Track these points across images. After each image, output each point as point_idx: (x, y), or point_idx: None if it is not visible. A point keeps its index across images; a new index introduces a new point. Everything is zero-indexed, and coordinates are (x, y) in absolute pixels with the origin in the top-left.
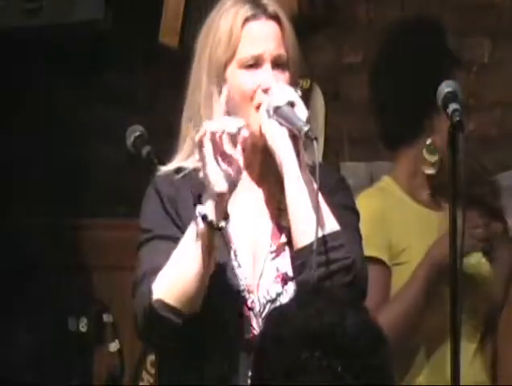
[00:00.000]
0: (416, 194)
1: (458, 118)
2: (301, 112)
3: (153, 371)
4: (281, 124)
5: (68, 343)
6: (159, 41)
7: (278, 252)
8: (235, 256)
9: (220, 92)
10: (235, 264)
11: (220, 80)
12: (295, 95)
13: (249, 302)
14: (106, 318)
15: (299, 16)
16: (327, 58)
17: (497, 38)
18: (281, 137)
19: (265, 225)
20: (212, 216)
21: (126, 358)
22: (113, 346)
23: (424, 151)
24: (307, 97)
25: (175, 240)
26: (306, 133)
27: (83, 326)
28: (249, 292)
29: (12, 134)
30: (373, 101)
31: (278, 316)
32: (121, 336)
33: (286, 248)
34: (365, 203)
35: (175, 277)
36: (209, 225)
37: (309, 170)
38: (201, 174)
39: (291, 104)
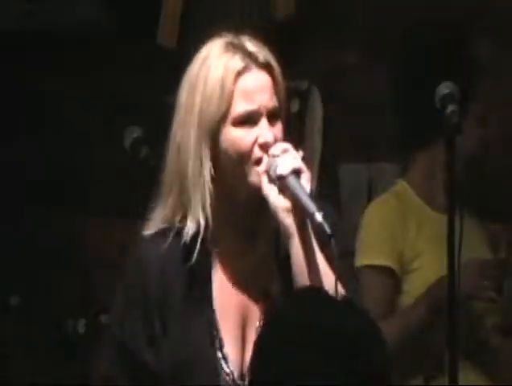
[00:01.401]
0: (432, 199)
1: (456, 120)
2: (306, 182)
3: None
4: (284, 192)
5: (66, 345)
6: (158, 42)
7: None
8: (220, 346)
9: (210, 154)
10: (220, 356)
11: (212, 139)
12: (299, 160)
13: None
14: (104, 319)
15: (296, 17)
16: (325, 59)
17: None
18: (283, 211)
19: (254, 297)
20: None
21: None
22: None
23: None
24: (305, 99)
25: (135, 357)
26: (320, 227)
27: (81, 327)
28: (236, 384)
29: (11, 135)
30: (389, 102)
31: (277, 320)
32: None
33: None
34: (378, 209)
35: None
36: None
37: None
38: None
39: (297, 173)
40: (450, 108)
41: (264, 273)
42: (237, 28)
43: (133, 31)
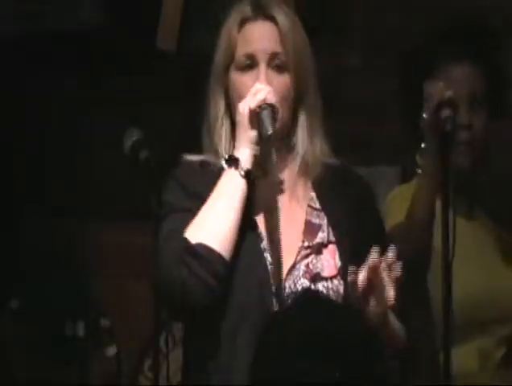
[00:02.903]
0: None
1: (450, 126)
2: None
3: (150, 375)
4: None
5: (65, 347)
6: (157, 46)
7: (312, 250)
8: (261, 240)
9: (223, 96)
10: (262, 247)
11: (223, 83)
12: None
13: (273, 288)
14: (104, 322)
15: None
16: (325, 61)
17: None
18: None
19: (296, 220)
20: (244, 162)
21: (124, 362)
22: (111, 350)
23: None
24: None
25: (195, 213)
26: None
27: (80, 330)
28: (273, 279)
29: (12, 137)
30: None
31: (276, 323)
32: (119, 341)
33: (324, 250)
34: (393, 201)
35: (213, 223)
36: (240, 170)
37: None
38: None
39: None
40: (444, 113)
41: (303, 205)
42: None
43: (133, 34)
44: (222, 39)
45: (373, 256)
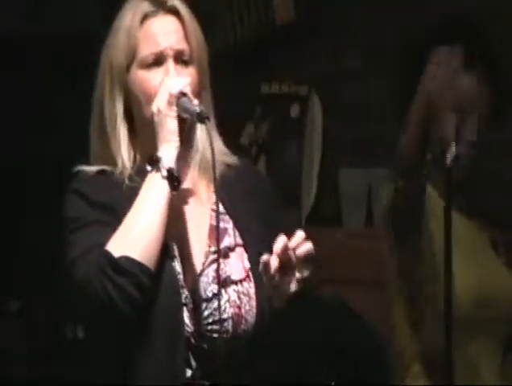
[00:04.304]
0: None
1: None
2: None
3: None
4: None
5: (66, 350)
6: None
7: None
8: (169, 247)
9: (122, 98)
10: (170, 255)
11: (122, 83)
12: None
13: (182, 297)
14: None
15: (297, 22)
16: (326, 63)
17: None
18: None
19: (200, 224)
20: (167, 161)
21: None
22: None
23: None
24: (305, 104)
25: (109, 225)
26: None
27: (80, 332)
28: (182, 287)
29: (12, 136)
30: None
31: (275, 325)
32: None
33: (232, 254)
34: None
35: (136, 233)
36: (162, 170)
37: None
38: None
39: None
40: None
41: (207, 209)
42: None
43: None
44: (121, 37)
45: (280, 239)
